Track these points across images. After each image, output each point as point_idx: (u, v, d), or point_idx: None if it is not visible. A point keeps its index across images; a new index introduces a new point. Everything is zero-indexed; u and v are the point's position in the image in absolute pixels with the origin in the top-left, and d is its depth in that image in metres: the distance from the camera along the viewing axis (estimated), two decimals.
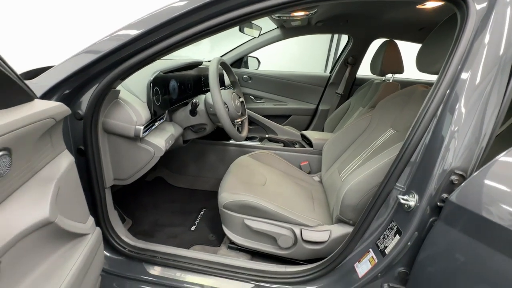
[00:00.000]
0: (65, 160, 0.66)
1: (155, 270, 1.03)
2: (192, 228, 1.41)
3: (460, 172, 0.66)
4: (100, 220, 0.98)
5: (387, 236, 0.81)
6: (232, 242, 1.21)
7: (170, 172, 1.87)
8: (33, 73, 0.86)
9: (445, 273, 0.66)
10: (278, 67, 2.69)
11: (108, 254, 1.04)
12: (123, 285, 1.03)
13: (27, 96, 0.55)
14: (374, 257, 0.83)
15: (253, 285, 0.98)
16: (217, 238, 1.34)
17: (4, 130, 0.45)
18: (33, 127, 0.51)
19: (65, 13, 2.93)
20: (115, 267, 1.03)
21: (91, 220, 0.77)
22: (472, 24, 0.68)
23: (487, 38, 0.68)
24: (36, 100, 0.57)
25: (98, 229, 0.78)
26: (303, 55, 4.34)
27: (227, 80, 1.95)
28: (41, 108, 0.55)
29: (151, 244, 1.08)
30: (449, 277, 0.65)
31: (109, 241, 1.02)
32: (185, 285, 0.99)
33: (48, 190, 0.57)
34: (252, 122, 1.92)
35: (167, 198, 1.67)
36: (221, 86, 1.41)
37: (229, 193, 1.14)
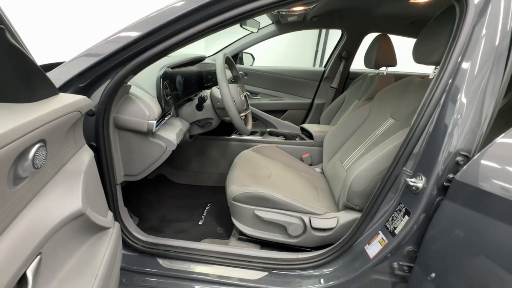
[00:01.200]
0: (87, 154, 0.67)
1: (170, 264, 1.04)
2: (200, 223, 1.42)
3: (465, 153, 0.72)
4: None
5: (396, 217, 0.86)
6: (241, 234, 1.23)
7: (172, 169, 1.86)
8: (44, 69, 0.85)
9: (451, 247, 0.71)
10: (266, 64, 2.71)
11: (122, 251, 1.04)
12: (131, 279, 1.03)
13: (54, 90, 0.55)
14: (384, 238, 0.88)
15: (267, 273, 1.02)
16: (225, 231, 1.36)
17: (41, 122, 0.45)
18: (64, 119, 0.52)
19: (71, 11, 2.86)
20: (129, 263, 1.03)
21: (110, 214, 0.77)
22: (471, 17, 0.73)
23: (484, 30, 0.73)
24: (61, 93, 0.57)
25: (117, 223, 0.79)
26: (292, 51, 4.39)
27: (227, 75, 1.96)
28: (69, 101, 0.55)
29: (162, 239, 1.09)
30: (456, 250, 0.70)
31: (122, 237, 1.02)
32: (201, 276, 1.01)
33: (77, 182, 0.57)
34: (252, 116, 1.94)
35: (171, 195, 1.68)
36: None
37: (238, 185, 1.17)
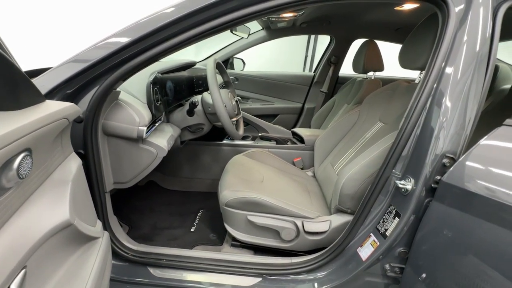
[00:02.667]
0: (75, 162, 0.65)
1: (161, 273, 1.02)
2: (192, 229, 1.40)
3: (451, 155, 0.74)
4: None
5: (387, 219, 0.87)
6: (234, 240, 1.22)
7: (163, 176, 1.83)
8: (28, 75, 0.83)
9: (441, 247, 0.73)
10: (257, 69, 2.73)
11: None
12: None
13: (40, 97, 0.53)
14: (376, 240, 0.89)
15: (261, 279, 1.01)
16: (218, 237, 1.34)
17: (26, 131, 0.44)
18: (50, 127, 0.51)
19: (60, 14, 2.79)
20: (119, 273, 1.00)
21: (99, 223, 0.75)
22: (452, 24, 0.76)
23: (465, 36, 0.76)
24: (47, 100, 0.56)
25: (106, 233, 0.77)
26: (282, 57, 4.43)
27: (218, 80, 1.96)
28: (56, 109, 0.54)
29: (153, 247, 1.06)
30: (445, 250, 0.72)
31: (111, 247, 0.99)
32: (194, 284, 0.99)
33: (65, 192, 0.55)
34: (244, 121, 1.95)
35: (162, 201, 1.65)
36: None
37: (231, 191, 1.16)
